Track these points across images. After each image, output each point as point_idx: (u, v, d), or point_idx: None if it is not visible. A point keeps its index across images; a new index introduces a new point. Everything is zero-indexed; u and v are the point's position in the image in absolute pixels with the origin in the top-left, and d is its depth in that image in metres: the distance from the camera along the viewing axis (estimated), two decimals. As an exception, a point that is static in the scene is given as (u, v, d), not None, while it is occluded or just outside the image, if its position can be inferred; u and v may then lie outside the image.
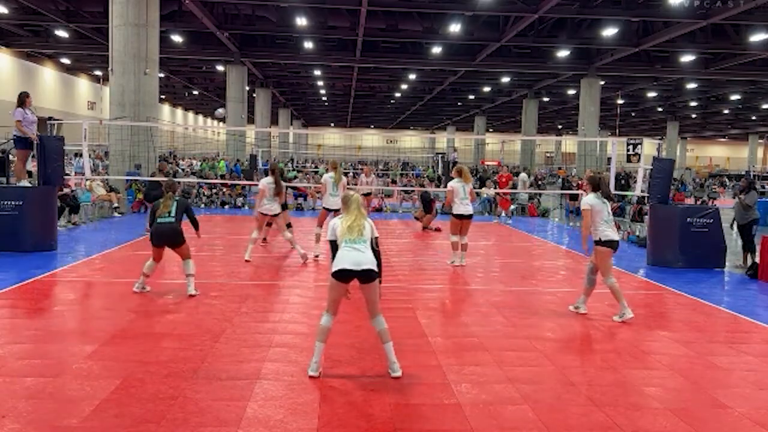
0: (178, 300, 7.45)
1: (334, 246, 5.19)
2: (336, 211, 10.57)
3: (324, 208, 10.97)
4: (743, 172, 39.59)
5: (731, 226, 14.99)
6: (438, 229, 15.36)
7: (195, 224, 7.88)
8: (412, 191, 22.27)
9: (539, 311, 7.76)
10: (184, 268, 7.70)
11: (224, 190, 21.11)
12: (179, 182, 8.22)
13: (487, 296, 8.52)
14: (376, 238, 5.23)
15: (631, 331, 6.91)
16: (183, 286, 7.78)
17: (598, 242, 7.13)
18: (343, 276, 5.00)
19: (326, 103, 55.36)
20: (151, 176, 14.83)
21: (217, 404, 4.46)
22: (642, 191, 13.27)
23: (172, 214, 7.46)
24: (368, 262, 5.00)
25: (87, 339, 5.90)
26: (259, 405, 4.48)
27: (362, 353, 5.67)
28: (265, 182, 10.37)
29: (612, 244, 7.12)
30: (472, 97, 45.45)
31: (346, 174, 16.53)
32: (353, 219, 5.16)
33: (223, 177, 24.39)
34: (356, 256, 4.99)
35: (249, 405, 4.46)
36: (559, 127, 65.07)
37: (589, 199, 7.15)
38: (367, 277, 5.00)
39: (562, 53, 27.20)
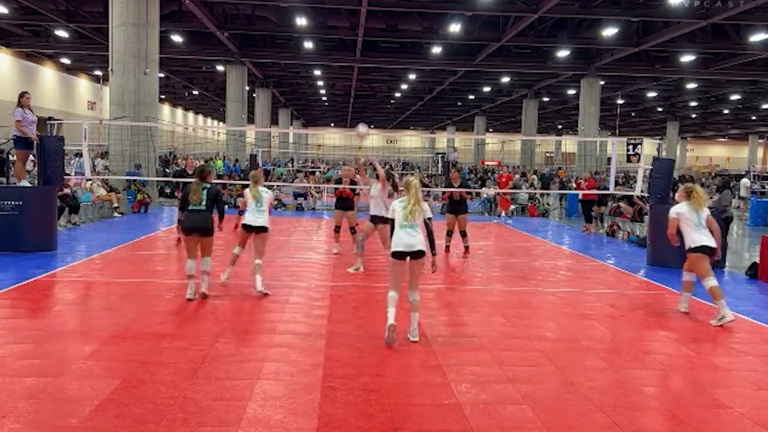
0: (178, 300, 7.45)
1: (392, 225, 6.10)
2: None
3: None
4: (743, 172, 39.59)
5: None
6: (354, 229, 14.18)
7: (221, 214, 7.78)
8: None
9: (539, 311, 7.77)
10: (202, 265, 7.55)
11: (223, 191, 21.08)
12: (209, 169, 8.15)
13: (487, 296, 8.53)
14: (429, 218, 6.11)
15: (631, 331, 6.92)
16: (183, 285, 7.68)
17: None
18: (400, 256, 5.94)
19: (326, 103, 55.32)
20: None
21: (217, 404, 4.46)
22: (642, 191, 13.26)
23: (204, 202, 7.46)
24: (419, 244, 5.94)
25: (87, 339, 5.89)
26: (259, 405, 4.47)
27: (362, 353, 5.67)
28: None
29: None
30: (472, 97, 45.41)
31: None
32: (412, 205, 6.00)
33: (220, 177, 24.33)
34: (409, 240, 5.92)
35: (249, 405, 4.46)
36: (559, 127, 65.00)
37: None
38: (417, 255, 5.94)
39: (562, 53, 27.17)
